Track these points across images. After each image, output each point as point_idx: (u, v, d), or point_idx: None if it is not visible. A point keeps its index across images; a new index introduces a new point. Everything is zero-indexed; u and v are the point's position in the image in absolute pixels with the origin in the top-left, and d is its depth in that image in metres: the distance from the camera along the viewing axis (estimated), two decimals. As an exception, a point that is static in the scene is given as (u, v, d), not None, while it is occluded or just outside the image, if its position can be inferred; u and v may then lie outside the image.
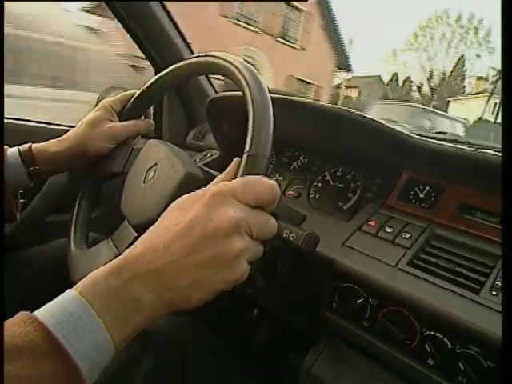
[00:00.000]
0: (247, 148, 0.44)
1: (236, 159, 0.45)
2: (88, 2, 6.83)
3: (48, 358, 0.28)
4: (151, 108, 0.73)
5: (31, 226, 0.95)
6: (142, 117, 0.71)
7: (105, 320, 0.31)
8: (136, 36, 1.03)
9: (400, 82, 26.93)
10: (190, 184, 0.53)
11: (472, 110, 17.45)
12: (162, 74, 0.64)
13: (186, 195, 0.41)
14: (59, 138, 0.67)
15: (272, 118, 0.46)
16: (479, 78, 22.40)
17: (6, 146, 0.65)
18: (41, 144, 0.66)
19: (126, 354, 0.52)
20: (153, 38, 1.04)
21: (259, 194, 0.40)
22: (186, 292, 0.36)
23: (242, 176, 0.43)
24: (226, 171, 0.45)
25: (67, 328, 0.30)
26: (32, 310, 0.31)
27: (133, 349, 0.54)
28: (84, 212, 0.68)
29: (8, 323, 0.29)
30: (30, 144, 0.65)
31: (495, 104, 17.15)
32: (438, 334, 0.53)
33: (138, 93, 0.68)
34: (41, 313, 0.30)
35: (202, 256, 0.36)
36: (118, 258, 0.36)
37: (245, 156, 0.44)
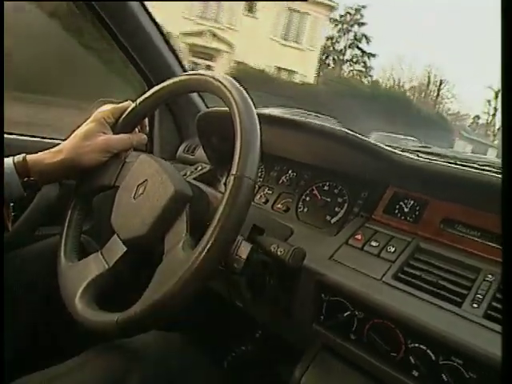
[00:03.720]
0: (234, 170, 0.46)
1: None
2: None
3: None
4: (146, 121, 0.73)
5: (23, 239, 0.94)
6: (136, 130, 0.72)
7: None
8: (128, 52, 1.04)
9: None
10: (179, 201, 0.54)
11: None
12: (156, 88, 0.65)
13: None
14: (53, 150, 0.67)
15: (259, 140, 0.48)
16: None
17: None
18: (35, 155, 0.66)
19: (112, 371, 0.53)
20: (145, 54, 1.05)
21: None
22: None
23: (228, 198, 0.44)
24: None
25: None
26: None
27: (119, 365, 0.55)
28: (75, 224, 0.68)
29: None
30: (24, 155, 0.66)
31: None
32: (422, 346, 0.54)
33: (132, 106, 0.69)
34: None
35: None
36: None
37: (231, 177, 0.45)
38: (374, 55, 23.63)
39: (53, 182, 0.72)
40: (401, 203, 0.73)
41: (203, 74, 0.58)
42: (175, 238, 0.51)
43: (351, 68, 24.07)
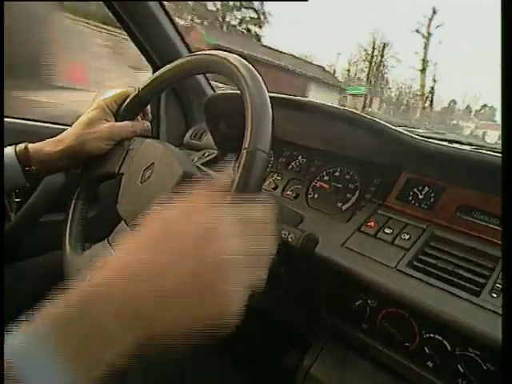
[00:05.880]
0: (246, 144, 0.43)
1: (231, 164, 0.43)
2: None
3: None
4: (149, 108, 0.72)
5: (26, 226, 0.94)
6: (139, 117, 0.70)
7: (67, 359, 0.26)
8: (134, 35, 1.02)
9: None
10: (187, 183, 0.52)
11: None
12: (157, 73, 0.63)
13: (178, 200, 0.36)
14: (55, 138, 0.66)
15: (271, 114, 0.45)
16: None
17: None
18: (37, 144, 0.66)
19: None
20: (151, 37, 1.03)
21: (254, 220, 0.36)
22: (166, 331, 0.30)
23: (241, 172, 0.42)
24: (220, 176, 0.42)
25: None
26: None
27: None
28: (79, 213, 0.67)
29: None
30: (25, 143, 0.65)
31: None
32: (437, 337, 0.52)
33: (134, 93, 0.67)
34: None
35: (196, 288, 0.30)
36: (85, 283, 0.30)
37: (244, 152, 0.43)
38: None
39: (55, 171, 0.70)
40: (415, 189, 0.71)
41: (210, 54, 0.55)
42: None
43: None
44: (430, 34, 23.12)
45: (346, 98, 20.81)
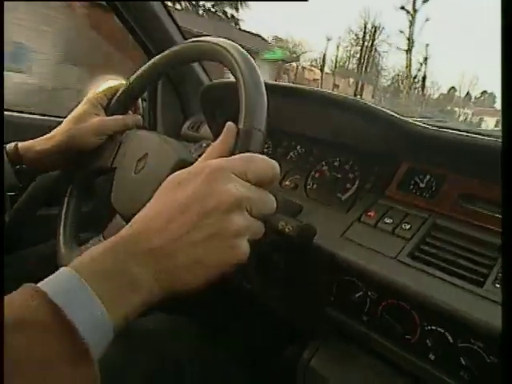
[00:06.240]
0: (241, 124, 0.43)
1: (226, 128, 0.43)
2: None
3: (57, 334, 0.27)
4: (140, 101, 0.71)
5: (22, 220, 0.93)
6: (130, 112, 0.69)
7: (102, 299, 0.30)
8: (128, 23, 1.01)
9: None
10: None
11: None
12: (148, 63, 0.62)
13: (183, 170, 0.39)
14: (46, 136, 0.66)
15: (265, 94, 0.45)
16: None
17: None
18: (27, 142, 0.65)
19: (119, 355, 0.51)
20: (145, 25, 1.02)
21: (260, 172, 0.38)
22: (185, 273, 0.34)
23: (237, 151, 0.41)
24: (219, 141, 0.42)
25: (70, 305, 0.28)
26: None
27: (126, 349, 0.53)
28: (73, 210, 0.66)
29: (14, 296, 0.28)
30: (16, 143, 0.64)
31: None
32: (439, 329, 0.51)
33: (125, 85, 0.66)
34: (43, 287, 0.29)
35: (201, 234, 0.34)
36: (114, 237, 0.35)
37: (240, 131, 0.42)
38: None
39: (47, 170, 0.70)
40: (416, 178, 0.69)
41: (201, 40, 0.54)
42: None
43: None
44: (415, 11, 22.17)
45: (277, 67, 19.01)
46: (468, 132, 0.77)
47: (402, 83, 25.08)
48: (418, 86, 24.58)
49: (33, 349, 0.26)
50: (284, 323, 0.80)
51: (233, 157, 0.39)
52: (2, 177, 0.61)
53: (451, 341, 0.50)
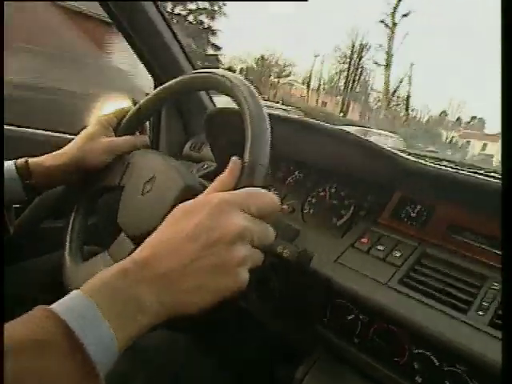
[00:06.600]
0: (246, 158, 0.46)
1: (232, 163, 0.46)
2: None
3: (69, 355, 0.29)
4: (147, 124, 0.74)
5: (26, 232, 0.95)
6: (137, 133, 0.72)
7: (110, 321, 0.32)
8: (138, 49, 1.05)
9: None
10: (189, 196, 0.54)
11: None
12: (158, 90, 0.65)
13: (189, 201, 0.42)
14: (56, 152, 0.67)
15: (269, 130, 0.48)
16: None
17: None
18: (37, 158, 0.66)
19: (116, 372, 0.53)
20: (155, 52, 1.06)
21: (262, 205, 0.42)
22: (189, 297, 0.36)
23: (241, 185, 0.44)
24: (225, 175, 0.45)
25: (82, 329, 0.30)
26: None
27: (123, 366, 0.55)
28: (78, 226, 0.68)
29: (28, 317, 0.30)
30: (26, 158, 0.66)
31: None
32: (426, 352, 0.54)
33: (134, 109, 0.69)
34: (57, 310, 0.31)
35: (206, 263, 0.37)
36: (124, 261, 0.37)
37: (245, 166, 0.45)
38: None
39: (55, 185, 0.71)
40: (407, 208, 0.73)
41: (210, 72, 0.57)
42: None
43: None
44: (395, 24, 21.68)
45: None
46: (459, 164, 0.82)
47: (379, 101, 24.80)
48: (401, 105, 24.50)
49: (45, 368, 0.28)
50: (278, 343, 0.82)
51: (237, 191, 0.42)
52: (2, 189, 0.62)
53: (437, 364, 0.53)
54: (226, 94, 0.54)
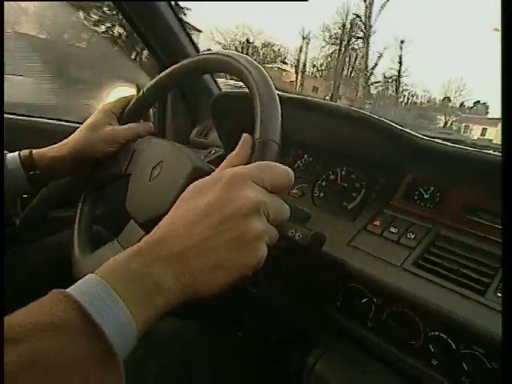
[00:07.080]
0: (257, 135, 0.44)
1: (243, 139, 0.45)
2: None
3: (85, 337, 0.28)
4: (151, 110, 0.72)
5: (33, 223, 0.95)
6: (142, 120, 0.71)
7: (126, 302, 0.31)
8: (142, 34, 1.03)
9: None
10: (198, 178, 0.53)
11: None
12: (161, 75, 0.64)
13: (201, 180, 0.41)
14: (60, 143, 0.67)
15: (280, 107, 0.46)
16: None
17: (5, 151, 0.65)
18: (41, 149, 0.66)
19: (131, 359, 0.53)
20: (159, 36, 1.04)
21: (276, 179, 0.40)
22: (207, 277, 0.35)
23: (253, 161, 0.42)
24: (236, 151, 0.44)
25: (97, 309, 0.29)
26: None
27: (138, 353, 0.55)
28: (87, 216, 0.67)
29: (43, 301, 0.29)
30: (30, 149, 0.65)
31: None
32: (442, 335, 0.53)
33: (137, 96, 0.68)
34: (72, 293, 0.30)
35: (222, 239, 0.35)
36: (139, 243, 0.36)
37: (256, 142, 0.44)
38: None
39: (60, 177, 0.71)
40: (420, 189, 0.71)
41: (216, 53, 0.56)
42: None
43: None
44: None
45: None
46: (471, 145, 0.79)
47: (358, 76, 23.12)
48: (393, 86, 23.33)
49: (63, 351, 0.27)
50: (290, 328, 0.82)
51: (250, 165, 0.41)
52: (2, 179, 0.61)
53: (454, 347, 0.52)
54: (234, 75, 0.53)
